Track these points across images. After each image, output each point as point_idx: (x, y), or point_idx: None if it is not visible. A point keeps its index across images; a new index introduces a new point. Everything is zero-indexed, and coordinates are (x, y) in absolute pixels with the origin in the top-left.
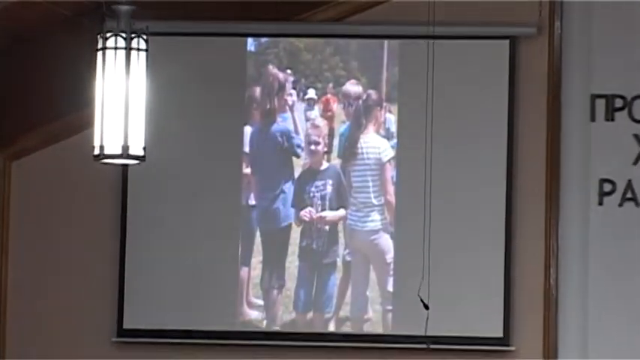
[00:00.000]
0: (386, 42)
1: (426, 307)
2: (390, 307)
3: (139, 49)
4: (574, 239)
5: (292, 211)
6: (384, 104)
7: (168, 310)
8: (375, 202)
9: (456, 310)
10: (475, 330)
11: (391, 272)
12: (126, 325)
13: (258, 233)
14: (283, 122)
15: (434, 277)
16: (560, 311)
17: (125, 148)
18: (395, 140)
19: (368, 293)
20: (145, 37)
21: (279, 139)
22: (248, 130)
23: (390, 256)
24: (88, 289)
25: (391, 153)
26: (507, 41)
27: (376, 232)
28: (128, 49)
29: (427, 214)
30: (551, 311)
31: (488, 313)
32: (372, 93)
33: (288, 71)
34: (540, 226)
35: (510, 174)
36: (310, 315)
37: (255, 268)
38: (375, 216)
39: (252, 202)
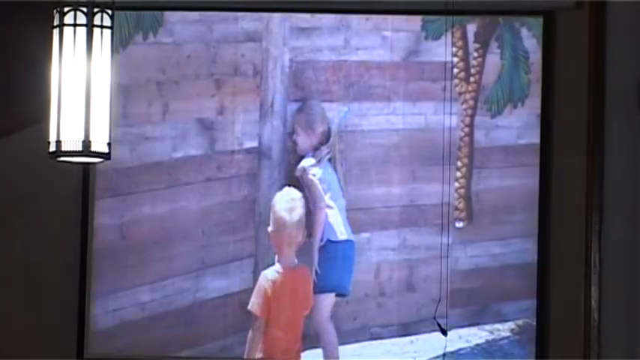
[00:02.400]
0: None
1: (444, 332)
2: None
3: (102, 27)
4: (620, 252)
5: None
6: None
7: (145, 327)
8: None
9: (479, 335)
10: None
11: None
12: (89, 351)
13: None
14: None
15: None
16: (603, 338)
17: (86, 143)
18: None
19: None
20: (109, 12)
21: None
22: None
23: None
24: (38, 306)
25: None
26: (541, 17)
27: None
28: (90, 26)
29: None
30: (593, 337)
31: (518, 340)
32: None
33: None
34: (580, 235)
35: (544, 172)
36: None
37: None
38: None
39: None
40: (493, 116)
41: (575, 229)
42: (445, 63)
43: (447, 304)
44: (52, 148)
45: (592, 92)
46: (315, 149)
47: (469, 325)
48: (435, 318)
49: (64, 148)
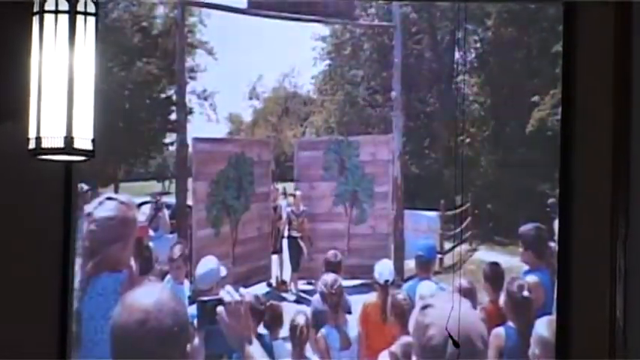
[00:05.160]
0: None
1: (457, 344)
2: None
3: (86, 13)
4: None
5: None
6: None
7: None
8: None
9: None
10: None
11: None
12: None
13: None
14: None
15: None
16: (629, 350)
17: (68, 140)
18: None
19: None
20: None
21: None
22: None
23: None
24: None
25: None
26: (561, 6)
27: None
28: (73, 12)
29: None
30: (618, 348)
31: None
32: None
33: None
34: (604, 241)
35: (565, 175)
36: None
37: None
38: None
39: None
40: None
41: (600, 233)
42: (457, 61)
43: (459, 311)
44: (32, 145)
45: (617, 88)
46: None
47: None
48: (446, 329)
49: (45, 145)
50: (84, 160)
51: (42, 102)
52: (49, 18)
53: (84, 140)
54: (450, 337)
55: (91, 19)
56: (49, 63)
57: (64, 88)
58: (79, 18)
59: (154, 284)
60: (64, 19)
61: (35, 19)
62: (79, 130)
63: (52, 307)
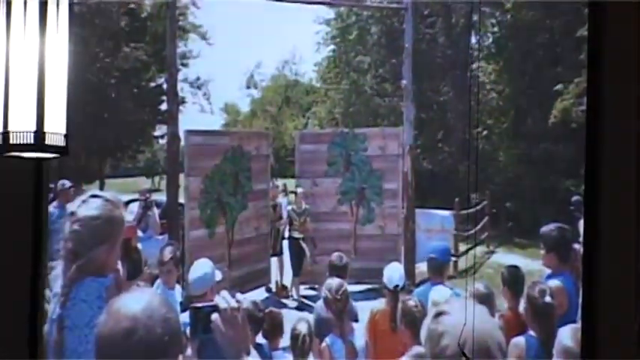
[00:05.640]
0: None
1: None
2: None
3: None
4: None
5: None
6: None
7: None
8: None
9: None
10: None
11: None
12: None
13: None
14: None
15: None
16: None
17: (39, 135)
18: None
19: None
20: None
21: None
22: None
23: None
24: None
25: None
26: (586, 6)
27: None
28: None
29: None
30: None
31: None
32: None
33: None
34: (633, 243)
35: (591, 171)
36: None
37: None
38: None
39: None
40: None
41: (629, 234)
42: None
43: (473, 324)
44: None
45: None
46: None
47: None
48: (459, 345)
49: (13, 140)
50: (55, 158)
51: (10, 94)
52: (17, 2)
53: (56, 136)
54: (463, 353)
55: (64, 3)
56: (17, 51)
57: (34, 79)
58: (51, 2)
59: (143, 290)
60: (33, 3)
61: (2, 4)
62: (51, 124)
63: (22, 309)
